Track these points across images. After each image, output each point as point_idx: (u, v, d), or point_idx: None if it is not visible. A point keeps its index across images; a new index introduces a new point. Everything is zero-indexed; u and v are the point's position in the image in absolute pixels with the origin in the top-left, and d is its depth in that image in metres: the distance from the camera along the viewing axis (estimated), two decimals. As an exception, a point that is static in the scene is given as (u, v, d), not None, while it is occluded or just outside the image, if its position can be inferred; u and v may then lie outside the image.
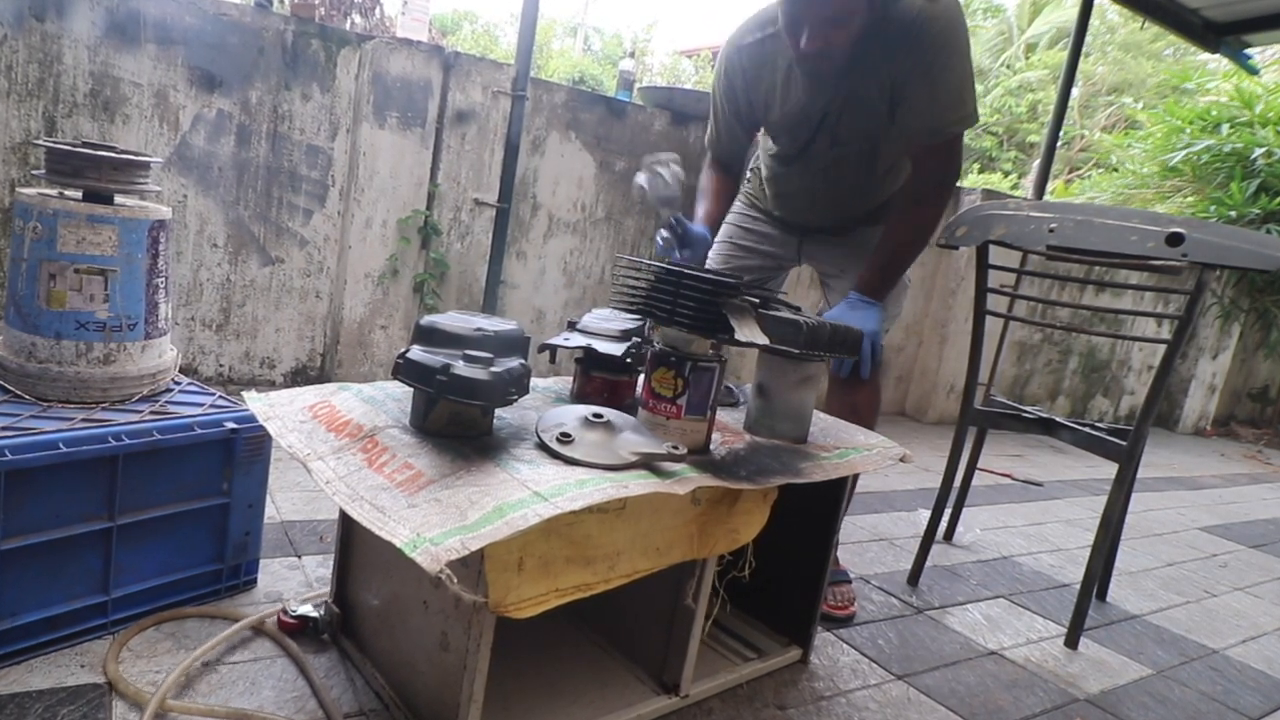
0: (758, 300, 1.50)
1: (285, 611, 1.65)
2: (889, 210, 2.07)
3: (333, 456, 1.29)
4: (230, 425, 1.65)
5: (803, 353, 1.56)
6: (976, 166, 16.69)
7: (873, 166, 2.00)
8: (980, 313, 2.39)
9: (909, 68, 1.78)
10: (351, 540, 1.64)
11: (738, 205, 2.34)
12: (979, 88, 17.02)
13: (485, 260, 3.66)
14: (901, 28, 1.74)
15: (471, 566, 1.19)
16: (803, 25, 1.71)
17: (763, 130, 2.14)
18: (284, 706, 1.43)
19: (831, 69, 1.80)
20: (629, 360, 1.60)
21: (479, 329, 1.35)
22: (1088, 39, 5.67)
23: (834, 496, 1.79)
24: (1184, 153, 6.21)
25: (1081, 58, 5.15)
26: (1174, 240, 1.95)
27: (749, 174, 2.34)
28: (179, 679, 1.40)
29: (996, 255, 2.34)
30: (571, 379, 1.74)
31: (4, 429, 1.41)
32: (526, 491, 1.15)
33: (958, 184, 1.87)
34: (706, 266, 2.17)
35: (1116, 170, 7.68)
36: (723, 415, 1.77)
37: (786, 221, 2.23)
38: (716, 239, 2.28)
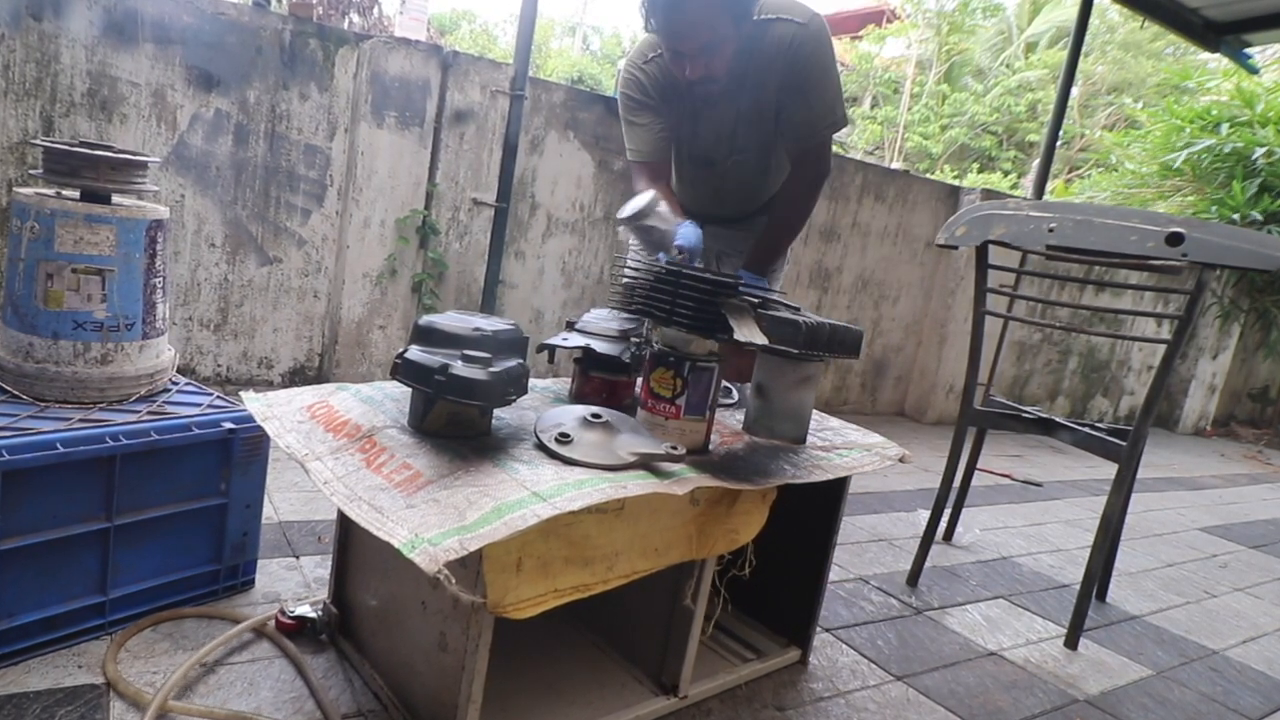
0: (757, 300, 1.50)
1: (283, 612, 1.65)
2: (773, 202, 2.32)
3: (331, 457, 1.28)
4: (228, 425, 1.65)
5: (802, 353, 1.55)
6: (976, 166, 16.70)
7: (765, 168, 2.24)
8: (979, 313, 2.39)
9: (787, 85, 2.03)
10: (349, 541, 1.64)
11: None
12: (977, 86, 17.06)
13: (484, 260, 3.66)
14: (779, 50, 1.98)
15: (470, 567, 1.19)
16: (683, 57, 1.94)
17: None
18: (282, 707, 1.42)
19: (719, 90, 2.04)
20: (628, 360, 1.60)
21: (477, 329, 1.35)
22: (1087, 38, 5.66)
23: (833, 497, 1.79)
24: (1184, 153, 6.20)
25: (1081, 57, 5.15)
26: (1174, 240, 1.95)
27: None
28: (180, 680, 1.40)
29: (996, 255, 2.34)
30: (570, 379, 1.73)
31: (1, 429, 1.41)
32: (525, 492, 1.15)
33: (826, 180, 2.21)
34: (634, 254, 2.35)
35: (1115, 170, 7.67)
36: (722, 415, 1.77)
37: (691, 211, 2.37)
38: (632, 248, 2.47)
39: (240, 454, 1.68)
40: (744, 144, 2.17)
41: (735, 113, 2.11)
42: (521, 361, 1.37)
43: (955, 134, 16.70)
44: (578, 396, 1.65)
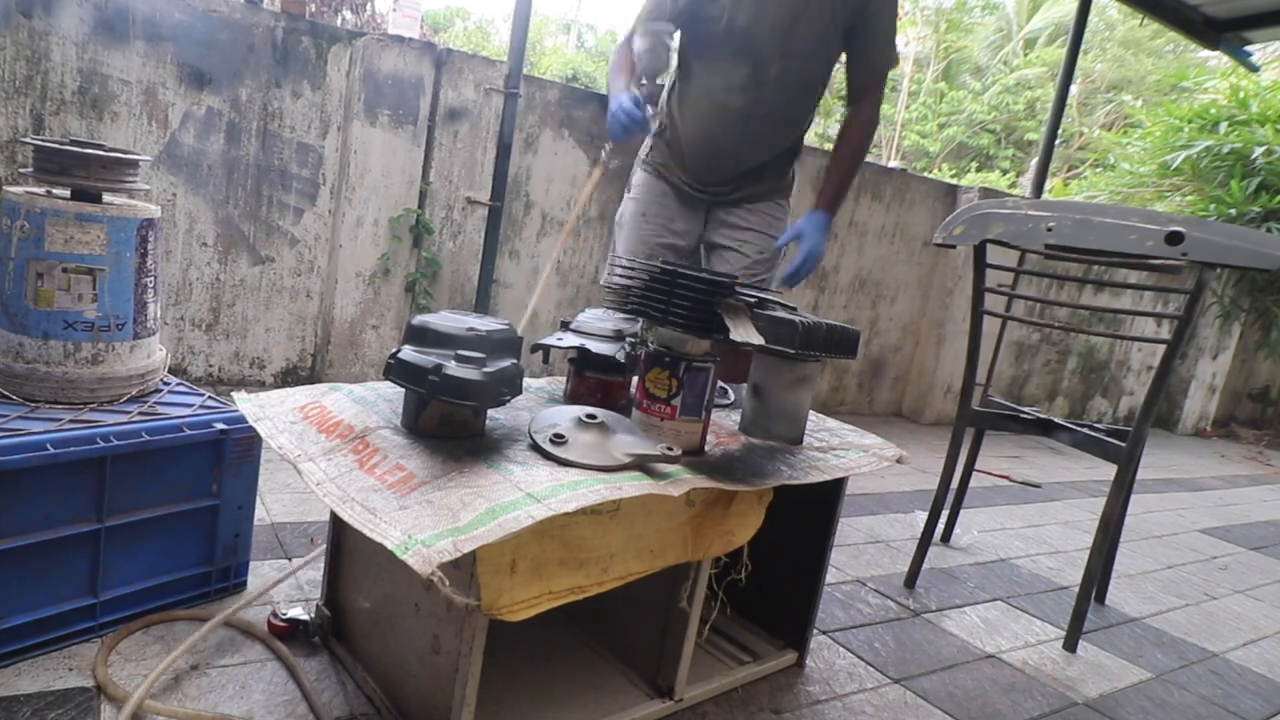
0: (753, 300, 1.48)
1: (276, 615, 1.63)
2: (782, 171, 2.28)
3: (323, 458, 1.27)
4: (220, 426, 1.64)
5: (798, 353, 1.54)
6: (974, 164, 16.70)
7: (810, 93, 2.16)
8: (978, 312, 2.38)
9: (855, 7, 1.99)
10: (342, 542, 1.62)
11: (643, 182, 2.37)
12: (975, 84, 17.07)
13: (478, 259, 3.64)
14: None
15: (464, 569, 1.18)
16: None
17: (689, 56, 2.20)
18: (274, 710, 1.41)
19: None
20: (623, 361, 1.59)
21: (471, 329, 1.33)
22: (1086, 35, 5.65)
23: (830, 498, 1.78)
24: (1183, 154, 6.19)
25: (1080, 54, 5.13)
26: (1174, 239, 1.94)
27: (652, 140, 2.35)
28: (160, 680, 1.39)
29: (994, 254, 2.33)
30: (565, 379, 1.72)
31: (-10, 430, 1.39)
32: (519, 493, 1.14)
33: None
34: (622, 248, 2.36)
35: (1113, 170, 7.66)
36: (718, 416, 1.75)
37: (693, 187, 2.29)
38: (628, 221, 2.37)
39: (232, 455, 1.67)
40: (799, 47, 2.02)
41: (803, 8, 1.99)
42: (516, 362, 1.36)
43: (953, 132, 16.71)
44: (573, 397, 1.64)
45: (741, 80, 2.08)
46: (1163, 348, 2.09)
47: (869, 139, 2.21)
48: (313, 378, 3.47)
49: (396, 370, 1.25)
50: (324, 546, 1.71)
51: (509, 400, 1.31)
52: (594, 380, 1.61)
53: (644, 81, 2.01)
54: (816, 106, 2.22)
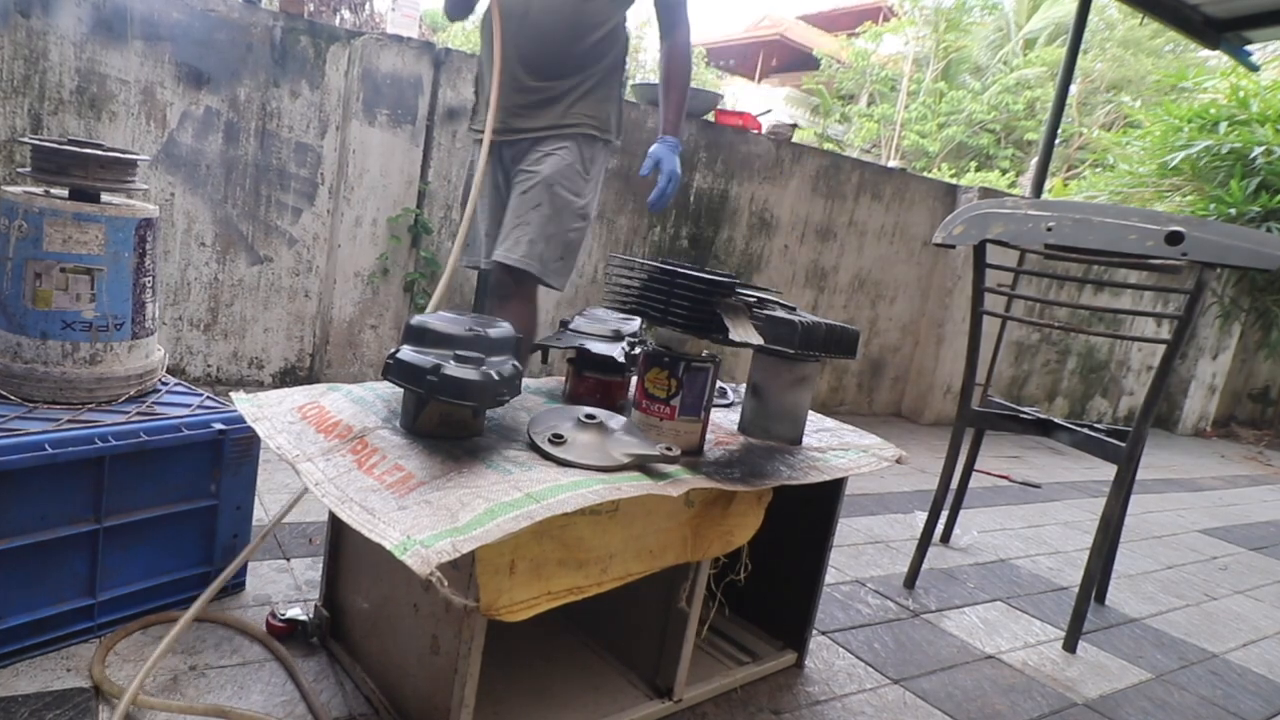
0: (753, 300, 1.48)
1: (274, 615, 1.63)
2: (573, 104, 2.30)
3: (322, 458, 1.27)
4: (218, 426, 1.63)
5: (798, 353, 1.54)
6: (973, 164, 16.70)
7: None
8: (977, 312, 2.38)
9: None
10: (341, 543, 1.62)
11: (477, 157, 2.39)
12: (975, 84, 17.06)
13: (479, 259, 3.63)
14: None
15: (462, 569, 1.18)
16: None
17: None
18: (273, 711, 1.41)
19: None
20: (622, 361, 1.59)
21: (470, 329, 1.33)
22: (1086, 35, 5.64)
23: (829, 498, 1.78)
24: (1183, 154, 6.18)
25: (1080, 54, 5.13)
26: (1173, 239, 1.94)
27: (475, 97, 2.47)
28: (159, 680, 1.39)
29: (994, 254, 2.33)
30: (564, 379, 1.72)
31: (-12, 430, 1.39)
32: (518, 493, 1.13)
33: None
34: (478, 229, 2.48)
35: (1113, 169, 7.65)
36: (717, 416, 1.75)
37: (497, 132, 2.31)
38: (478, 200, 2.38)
39: (231, 455, 1.67)
40: None
41: None
42: (515, 362, 1.35)
43: (952, 132, 16.70)
44: (572, 397, 1.64)
45: None
46: (1163, 348, 2.08)
47: (690, 63, 2.36)
48: (311, 378, 3.46)
49: (395, 370, 1.25)
50: (287, 505, 1.72)
51: (508, 400, 1.31)
52: (593, 380, 1.61)
53: None
54: (604, 34, 2.27)
